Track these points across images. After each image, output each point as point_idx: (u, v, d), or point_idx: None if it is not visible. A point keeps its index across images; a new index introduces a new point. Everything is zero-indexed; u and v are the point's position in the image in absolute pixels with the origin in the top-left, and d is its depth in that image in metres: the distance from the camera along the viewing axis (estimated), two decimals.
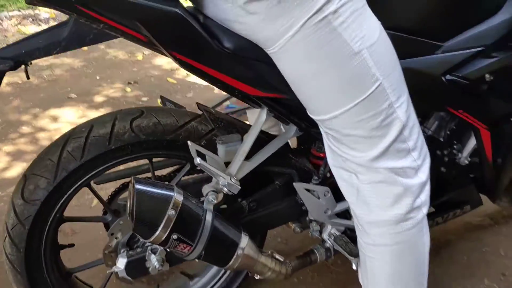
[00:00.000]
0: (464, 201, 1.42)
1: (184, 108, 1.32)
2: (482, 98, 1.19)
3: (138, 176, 0.97)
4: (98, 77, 3.48)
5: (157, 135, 1.05)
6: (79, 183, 1.05)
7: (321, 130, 1.00)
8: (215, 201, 1.02)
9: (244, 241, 1.04)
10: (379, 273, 1.01)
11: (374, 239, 0.98)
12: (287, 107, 1.05)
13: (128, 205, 0.96)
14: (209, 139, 1.10)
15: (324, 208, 1.16)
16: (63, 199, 1.04)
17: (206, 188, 1.04)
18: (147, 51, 4.04)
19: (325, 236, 1.21)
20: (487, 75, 1.15)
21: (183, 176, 1.18)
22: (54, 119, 2.79)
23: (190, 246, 0.96)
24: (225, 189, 1.03)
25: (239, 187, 1.04)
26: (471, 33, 1.12)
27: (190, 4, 0.95)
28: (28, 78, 0.95)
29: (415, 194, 0.95)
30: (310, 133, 1.12)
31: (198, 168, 1.02)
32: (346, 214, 1.22)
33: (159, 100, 3.00)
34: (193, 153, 1.00)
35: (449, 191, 1.37)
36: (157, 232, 0.92)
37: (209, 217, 0.98)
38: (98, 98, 3.11)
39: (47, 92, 3.14)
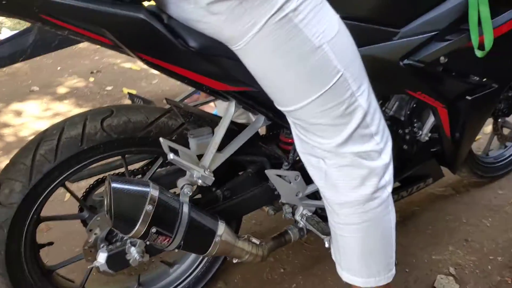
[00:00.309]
0: (426, 175, 1.50)
1: (152, 103, 1.34)
2: (438, 79, 1.25)
3: (113, 174, 0.99)
4: (59, 68, 3.42)
5: (128, 133, 1.07)
6: (54, 184, 1.06)
7: (288, 119, 1.04)
8: (191, 193, 1.05)
9: (221, 228, 1.08)
10: (350, 249, 1.08)
11: (343, 219, 1.04)
12: (255, 99, 1.09)
13: (105, 202, 0.98)
14: (180, 134, 1.12)
15: (296, 192, 1.22)
16: (39, 200, 1.06)
17: (181, 181, 1.07)
18: None
19: (297, 217, 1.26)
20: (441, 58, 1.21)
21: (157, 169, 1.20)
22: (18, 113, 2.74)
23: (169, 238, 1.00)
24: (200, 181, 1.06)
25: (213, 179, 1.07)
26: (425, 18, 1.17)
27: (153, 3, 0.97)
28: None
29: (380, 175, 1.01)
30: (277, 123, 1.16)
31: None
32: (316, 195, 1.27)
33: (124, 89, 2.98)
34: (166, 149, 1.03)
35: (412, 166, 1.44)
36: (136, 227, 0.95)
37: (185, 209, 1.02)
38: (61, 90, 3.06)
39: (7, 86, 3.07)
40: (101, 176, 1.25)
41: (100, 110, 1.09)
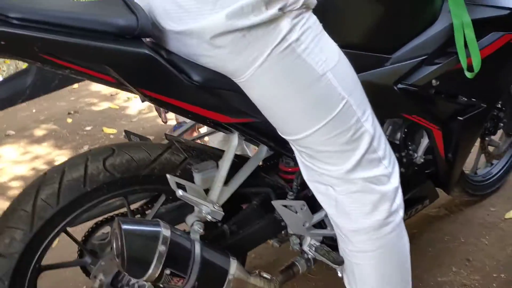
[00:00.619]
0: (423, 197, 1.51)
1: (149, 140, 1.32)
2: (431, 102, 1.29)
3: (119, 215, 0.96)
4: (34, 110, 3.35)
5: (132, 172, 1.04)
6: (56, 230, 1.01)
7: (293, 148, 1.04)
8: (201, 230, 1.02)
9: (233, 265, 1.05)
10: (367, 277, 1.06)
11: (358, 246, 1.03)
12: (257, 129, 1.08)
13: (114, 246, 0.94)
14: (183, 169, 1.10)
15: (303, 221, 1.20)
16: (41, 248, 1.00)
17: (190, 218, 1.04)
18: None
19: (305, 248, 1.24)
20: (433, 81, 1.24)
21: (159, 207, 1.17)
22: None
23: (183, 279, 0.96)
24: (209, 217, 1.03)
25: (223, 213, 1.05)
26: (414, 43, 1.21)
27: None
28: None
29: (391, 199, 1.01)
30: (280, 152, 1.16)
31: (179, 198, 1.02)
32: (321, 223, 1.26)
33: (104, 128, 2.94)
34: (173, 186, 1.00)
35: (410, 189, 1.45)
36: (150, 270, 0.91)
37: (197, 247, 0.98)
38: (38, 132, 2.99)
39: None
40: (100, 218, 1.21)
41: (100, 150, 1.06)
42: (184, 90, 0.94)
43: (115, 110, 3.24)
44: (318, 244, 1.23)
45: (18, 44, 0.79)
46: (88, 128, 2.99)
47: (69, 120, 3.13)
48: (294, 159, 1.20)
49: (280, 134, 1.02)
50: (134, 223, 0.93)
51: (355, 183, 0.99)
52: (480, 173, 1.90)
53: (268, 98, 0.93)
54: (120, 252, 0.90)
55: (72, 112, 3.25)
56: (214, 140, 1.63)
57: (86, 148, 2.70)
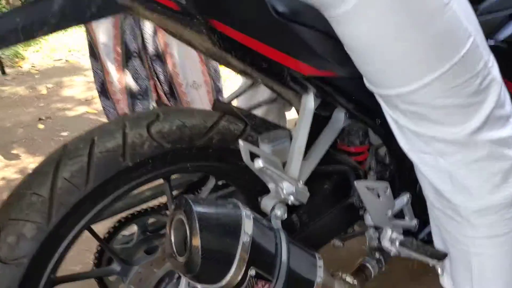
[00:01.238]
0: None
1: None
2: None
3: (184, 195, 0.68)
4: None
5: (185, 142, 0.77)
6: (81, 223, 0.72)
7: (387, 110, 0.81)
8: (285, 216, 0.76)
9: (321, 265, 0.78)
10: (490, 271, 0.83)
11: (483, 231, 0.80)
12: (338, 88, 0.85)
13: (173, 240, 0.66)
14: (246, 140, 0.83)
15: (386, 209, 0.96)
16: (61, 249, 0.71)
17: (268, 201, 0.77)
18: (50, 84, 3.58)
19: (386, 243, 0.99)
20: None
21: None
22: None
23: (269, 283, 0.69)
24: (292, 198, 0.77)
25: (308, 194, 0.79)
26: None
27: None
28: (3, 72, 0.63)
29: None
30: (360, 118, 0.92)
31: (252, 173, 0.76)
32: (398, 214, 1.03)
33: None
34: (246, 156, 0.74)
35: None
36: (232, 270, 0.63)
37: (283, 238, 0.72)
38: (6, 139, 2.62)
39: None
40: (123, 215, 0.93)
41: (141, 114, 0.79)
42: (267, 25, 0.71)
43: (93, 115, 2.91)
44: (402, 237, 0.99)
45: None
46: (65, 133, 2.65)
47: (41, 126, 2.78)
48: (374, 129, 0.97)
49: (375, 89, 0.79)
50: (208, 204, 0.65)
51: (481, 147, 0.76)
52: None
53: (375, 35, 0.71)
54: (189, 247, 0.62)
55: (43, 118, 2.89)
56: None
57: None
